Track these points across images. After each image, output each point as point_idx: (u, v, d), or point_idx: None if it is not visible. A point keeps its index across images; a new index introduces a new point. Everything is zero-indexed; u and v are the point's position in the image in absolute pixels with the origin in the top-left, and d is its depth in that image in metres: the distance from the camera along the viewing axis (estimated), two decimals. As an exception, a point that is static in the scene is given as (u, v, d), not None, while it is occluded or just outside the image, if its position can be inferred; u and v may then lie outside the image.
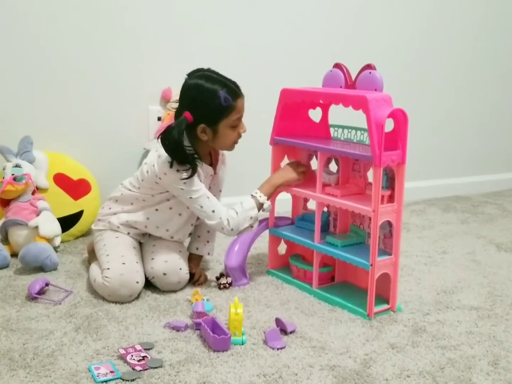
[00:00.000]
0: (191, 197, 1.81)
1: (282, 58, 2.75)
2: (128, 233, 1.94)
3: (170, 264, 1.87)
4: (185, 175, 1.77)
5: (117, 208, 1.96)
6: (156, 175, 1.81)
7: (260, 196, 1.89)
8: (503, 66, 3.42)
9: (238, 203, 1.88)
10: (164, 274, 1.85)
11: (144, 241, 1.98)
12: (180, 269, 1.87)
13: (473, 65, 3.31)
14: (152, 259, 1.88)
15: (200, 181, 1.85)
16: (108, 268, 1.81)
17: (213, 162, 1.95)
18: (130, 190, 1.93)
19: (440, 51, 3.18)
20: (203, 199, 1.82)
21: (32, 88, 2.36)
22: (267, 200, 1.90)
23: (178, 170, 1.77)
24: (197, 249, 2.06)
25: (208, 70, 1.82)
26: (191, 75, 1.82)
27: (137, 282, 1.80)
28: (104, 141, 2.50)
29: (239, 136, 1.86)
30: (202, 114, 1.78)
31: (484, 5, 3.26)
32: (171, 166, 1.76)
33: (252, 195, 1.90)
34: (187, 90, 1.81)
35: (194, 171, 1.78)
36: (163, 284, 1.87)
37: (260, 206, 1.89)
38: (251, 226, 1.89)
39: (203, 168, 1.88)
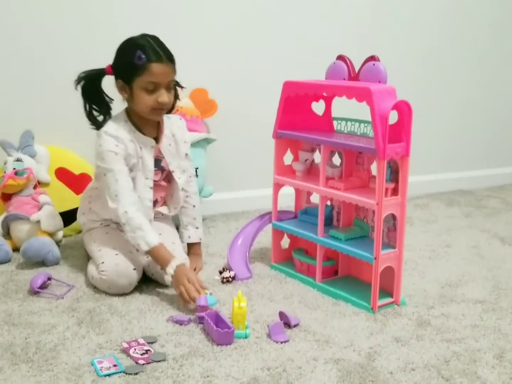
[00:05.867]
0: (105, 174, 1.80)
1: (285, 50, 2.74)
2: (108, 226, 1.96)
3: None
4: (96, 118, 1.85)
5: (84, 207, 2.01)
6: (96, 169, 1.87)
7: (171, 267, 1.72)
8: (510, 59, 3.40)
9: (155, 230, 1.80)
10: (162, 269, 1.83)
11: None
12: None
13: (478, 58, 3.29)
14: (148, 256, 1.86)
15: (129, 153, 1.83)
16: (103, 262, 1.80)
17: (158, 136, 1.93)
18: (90, 188, 1.98)
19: (444, 43, 3.16)
20: (111, 179, 1.79)
21: (34, 82, 2.35)
22: (169, 270, 1.73)
23: (100, 136, 1.81)
24: (189, 237, 2.06)
25: (153, 36, 1.82)
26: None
27: (134, 269, 1.80)
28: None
29: (158, 104, 1.80)
30: (118, 68, 1.83)
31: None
32: (86, 114, 1.86)
33: (171, 262, 1.73)
34: (120, 44, 1.84)
35: (106, 113, 1.85)
36: (164, 279, 1.85)
37: (159, 262, 1.76)
38: (137, 250, 1.81)
39: (139, 139, 1.86)
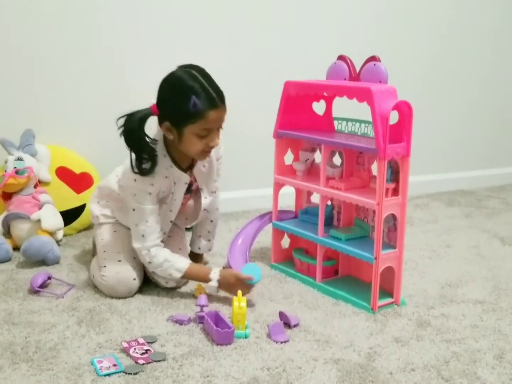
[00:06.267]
0: (134, 209, 1.75)
1: (285, 50, 2.74)
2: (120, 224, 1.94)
3: None
4: (144, 167, 1.70)
5: (101, 197, 1.99)
6: (122, 185, 1.79)
7: (215, 273, 1.76)
8: (510, 60, 3.40)
9: (180, 255, 1.81)
10: (166, 282, 1.83)
11: None
12: None
13: (479, 58, 3.29)
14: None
15: (162, 190, 1.77)
16: (105, 266, 1.80)
17: (194, 164, 1.84)
18: (118, 194, 1.92)
19: (445, 43, 3.16)
20: (141, 218, 1.75)
21: (35, 81, 2.34)
22: (215, 284, 1.76)
23: (135, 173, 1.71)
24: (199, 248, 2.06)
25: (201, 69, 1.69)
26: (181, 67, 1.70)
27: (134, 279, 1.79)
28: (107, 134, 2.46)
29: (208, 147, 1.71)
30: (168, 112, 1.68)
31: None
32: (133, 169, 1.70)
33: (212, 270, 1.77)
34: (165, 81, 1.70)
35: (153, 161, 1.71)
36: (164, 284, 1.85)
37: (199, 278, 1.79)
38: (166, 282, 1.81)
39: (175, 175, 1.78)
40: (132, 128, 1.67)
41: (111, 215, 1.95)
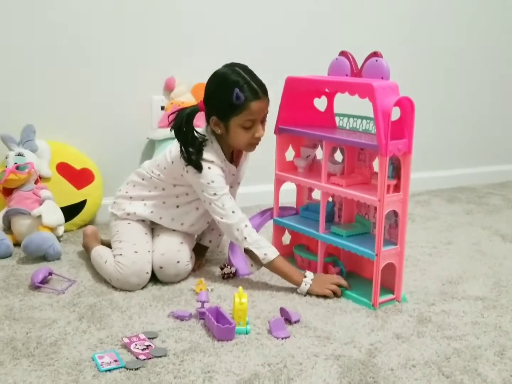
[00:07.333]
0: (215, 194, 1.78)
1: (287, 45, 2.73)
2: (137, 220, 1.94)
3: (167, 257, 1.84)
4: (192, 158, 1.77)
5: (134, 192, 1.94)
6: (183, 167, 1.81)
7: (306, 277, 1.79)
8: (509, 57, 3.39)
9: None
10: (161, 267, 1.83)
11: (154, 227, 1.97)
12: (178, 262, 1.85)
13: (480, 55, 3.28)
14: (152, 251, 1.87)
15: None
16: (121, 254, 1.81)
17: (234, 159, 1.92)
18: (151, 177, 1.91)
19: (446, 40, 3.16)
20: (226, 198, 1.80)
21: (35, 76, 2.34)
22: (305, 285, 1.79)
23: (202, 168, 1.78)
24: (210, 241, 2.07)
25: (243, 66, 1.80)
26: (224, 65, 1.80)
27: (147, 273, 1.81)
28: (108, 130, 2.49)
29: (255, 138, 1.80)
30: (214, 106, 1.79)
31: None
32: (186, 161, 1.78)
33: (305, 273, 1.81)
34: (210, 78, 1.81)
35: (200, 151, 1.78)
36: (162, 277, 1.86)
37: (288, 274, 1.81)
38: (251, 265, 1.85)
39: (227, 166, 1.86)
40: (180, 123, 1.79)
41: (143, 214, 1.92)
